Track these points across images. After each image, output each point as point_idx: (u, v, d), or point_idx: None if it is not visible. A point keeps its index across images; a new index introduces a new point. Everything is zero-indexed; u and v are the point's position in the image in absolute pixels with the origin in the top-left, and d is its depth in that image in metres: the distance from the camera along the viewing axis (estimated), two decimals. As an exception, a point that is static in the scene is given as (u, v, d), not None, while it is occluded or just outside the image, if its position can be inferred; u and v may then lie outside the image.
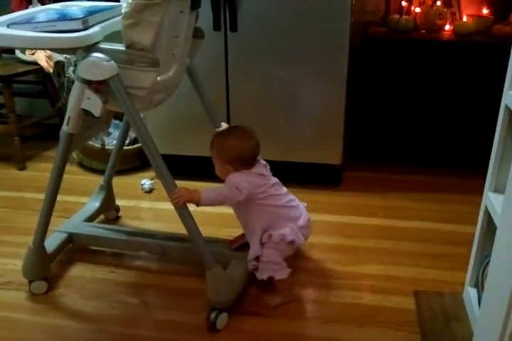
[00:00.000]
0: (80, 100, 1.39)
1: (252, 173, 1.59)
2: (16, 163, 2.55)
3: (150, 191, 2.33)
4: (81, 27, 1.35)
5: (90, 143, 2.44)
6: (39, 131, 2.88)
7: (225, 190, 1.55)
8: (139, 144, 2.49)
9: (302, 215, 1.63)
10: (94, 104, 1.38)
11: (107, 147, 2.41)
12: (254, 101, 2.22)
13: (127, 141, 2.49)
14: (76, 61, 1.67)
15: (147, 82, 1.37)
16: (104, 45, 1.36)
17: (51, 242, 1.74)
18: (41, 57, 2.52)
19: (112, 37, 1.42)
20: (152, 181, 2.35)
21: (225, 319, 1.53)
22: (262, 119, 2.24)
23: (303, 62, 2.12)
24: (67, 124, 1.46)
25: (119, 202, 2.12)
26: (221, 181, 1.61)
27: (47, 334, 1.52)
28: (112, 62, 1.33)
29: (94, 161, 2.47)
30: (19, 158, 2.55)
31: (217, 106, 2.23)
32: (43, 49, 2.27)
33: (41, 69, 2.53)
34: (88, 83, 1.37)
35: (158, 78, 1.41)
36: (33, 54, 2.55)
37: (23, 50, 2.55)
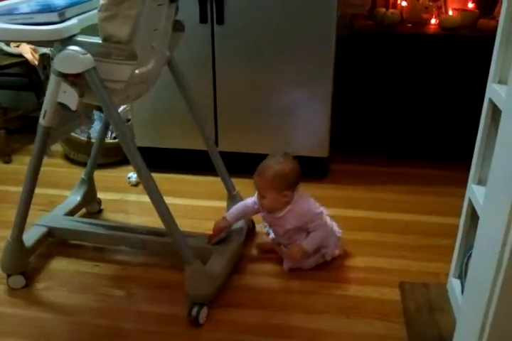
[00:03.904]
0: (57, 93, 1.37)
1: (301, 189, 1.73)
2: (2, 156, 2.53)
3: (136, 184, 2.32)
4: (57, 19, 1.32)
5: (76, 136, 2.43)
6: (24, 124, 2.85)
7: (320, 231, 1.71)
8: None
9: None
10: (70, 98, 1.36)
11: (92, 140, 2.40)
12: (241, 94, 2.21)
13: (114, 135, 2.49)
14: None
15: (124, 75, 1.35)
16: (81, 38, 1.34)
17: (30, 236, 1.73)
18: (26, 50, 2.49)
19: (94, 29, 1.40)
20: (139, 174, 2.34)
21: (206, 312, 1.52)
22: (248, 112, 2.24)
23: (290, 55, 2.12)
24: (44, 118, 1.45)
25: (105, 196, 2.12)
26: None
27: (30, 327, 1.51)
28: (89, 55, 1.31)
29: (80, 154, 2.46)
30: (5, 151, 2.53)
31: (204, 99, 2.23)
32: (18, 41, 2.24)
33: (26, 61, 2.50)
34: (64, 76, 1.35)
35: (137, 71, 1.40)
36: (17, 46, 2.52)
37: (7, 43, 2.52)
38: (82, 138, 2.40)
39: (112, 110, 1.38)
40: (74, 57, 1.31)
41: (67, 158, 2.54)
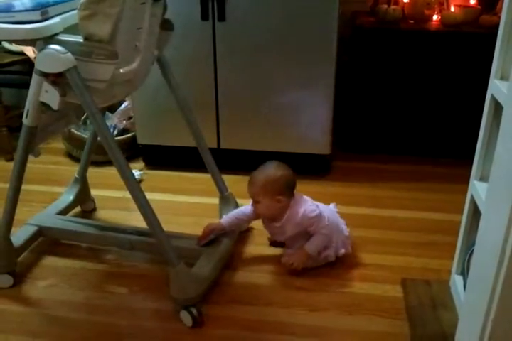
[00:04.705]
0: (39, 93, 1.36)
1: (299, 194, 1.74)
2: (4, 154, 2.53)
3: (139, 182, 2.32)
4: (39, 18, 1.31)
5: (79, 133, 2.43)
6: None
7: (321, 233, 1.69)
8: (128, 134, 2.49)
9: None
10: (52, 97, 1.35)
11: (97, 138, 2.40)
12: (243, 91, 2.21)
13: (115, 132, 2.49)
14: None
15: (106, 74, 1.34)
16: (62, 37, 1.33)
17: (20, 235, 1.72)
18: (27, 48, 2.50)
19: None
20: (141, 172, 2.34)
21: (196, 313, 1.49)
22: (250, 109, 2.24)
23: (291, 52, 2.12)
24: (26, 117, 1.44)
25: (107, 193, 2.12)
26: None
27: (29, 324, 1.52)
28: (69, 54, 1.30)
29: (82, 152, 2.46)
30: (7, 149, 2.53)
31: (205, 97, 2.23)
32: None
33: (28, 59, 2.50)
34: (46, 75, 1.34)
35: (121, 70, 1.39)
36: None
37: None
38: (85, 136, 2.40)
39: (92, 109, 1.36)
40: (54, 56, 1.30)
41: (69, 155, 2.54)
